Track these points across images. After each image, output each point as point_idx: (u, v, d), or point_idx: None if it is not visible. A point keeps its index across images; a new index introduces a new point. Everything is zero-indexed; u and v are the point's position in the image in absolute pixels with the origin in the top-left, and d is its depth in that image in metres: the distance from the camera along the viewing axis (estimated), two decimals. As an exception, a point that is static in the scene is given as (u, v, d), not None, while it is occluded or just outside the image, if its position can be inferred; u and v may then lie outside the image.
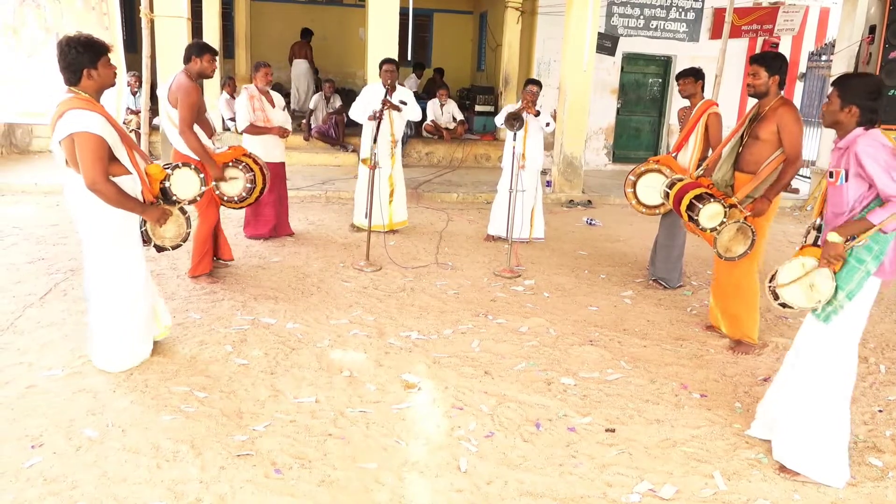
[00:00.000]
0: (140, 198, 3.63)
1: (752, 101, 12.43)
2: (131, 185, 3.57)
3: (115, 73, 3.57)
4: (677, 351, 4.53)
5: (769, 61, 4.25)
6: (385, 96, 6.42)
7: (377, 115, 6.25)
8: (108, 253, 3.64)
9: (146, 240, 3.77)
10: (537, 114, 6.57)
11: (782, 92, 4.32)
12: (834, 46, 10.71)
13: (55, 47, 3.43)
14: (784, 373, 3.33)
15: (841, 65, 9.91)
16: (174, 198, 3.77)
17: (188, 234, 3.90)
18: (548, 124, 6.70)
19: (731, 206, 4.35)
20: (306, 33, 14.01)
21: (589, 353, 4.40)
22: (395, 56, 8.70)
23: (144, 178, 3.66)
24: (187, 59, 5.03)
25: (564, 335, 4.69)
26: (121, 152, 3.52)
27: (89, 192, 3.43)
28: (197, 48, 5.03)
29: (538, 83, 6.78)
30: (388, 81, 6.61)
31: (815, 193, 9.93)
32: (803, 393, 3.17)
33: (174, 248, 3.86)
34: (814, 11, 12.36)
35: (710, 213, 4.36)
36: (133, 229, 3.70)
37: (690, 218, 4.46)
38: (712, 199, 4.38)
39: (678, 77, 5.57)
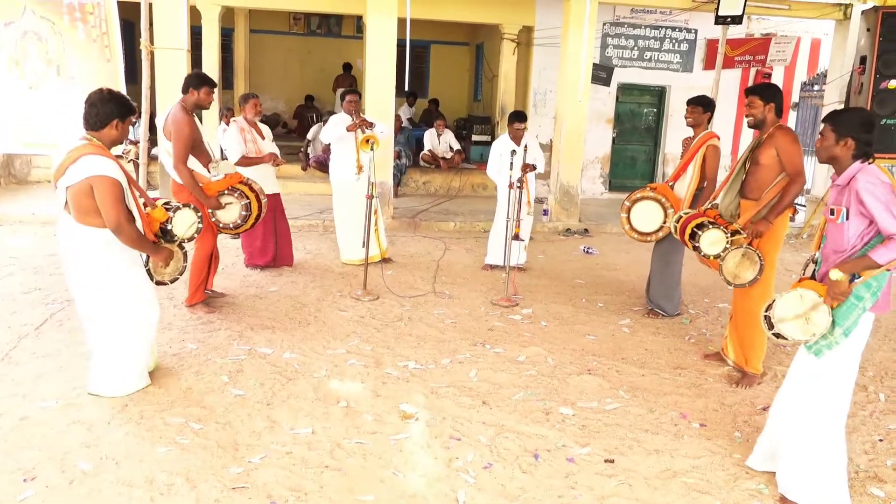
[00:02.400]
0: None
1: (746, 131, 12.56)
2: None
3: (126, 137, 3.77)
4: (676, 380, 4.51)
5: (762, 91, 4.35)
6: (357, 117, 6.59)
7: (356, 125, 6.37)
8: (112, 284, 3.71)
9: (151, 277, 3.90)
10: (533, 168, 6.46)
11: (781, 119, 4.37)
12: (826, 76, 10.84)
13: (89, 93, 3.61)
14: (778, 403, 3.31)
15: (833, 94, 10.03)
16: (174, 237, 3.88)
17: (185, 267, 4.07)
18: (535, 167, 6.59)
19: (735, 232, 4.37)
20: (347, 67, 15.10)
21: (587, 383, 4.37)
22: (393, 87, 8.78)
23: (145, 217, 3.77)
24: (185, 90, 5.05)
25: (562, 364, 4.66)
26: (129, 198, 3.63)
27: (91, 234, 3.57)
28: (196, 80, 5.06)
29: (524, 117, 6.70)
30: (353, 110, 6.75)
31: (811, 221, 9.96)
32: (799, 425, 3.15)
33: (172, 281, 4.02)
34: (805, 42, 12.54)
35: (711, 240, 4.38)
36: (135, 256, 3.80)
37: (695, 248, 4.47)
38: (712, 226, 4.41)
39: (688, 103, 5.53)
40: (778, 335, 3.20)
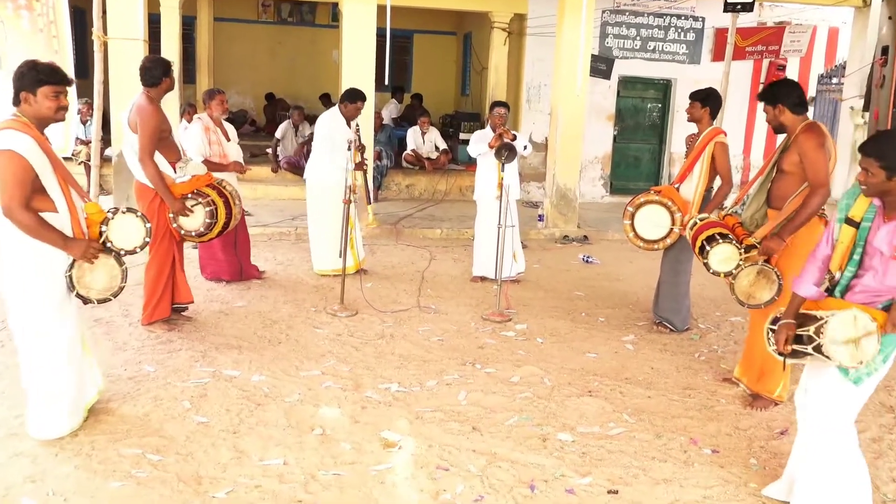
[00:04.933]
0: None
1: (759, 129, 12.69)
2: (55, 223, 3.49)
3: (60, 109, 3.51)
4: (685, 402, 4.53)
5: (766, 94, 4.32)
6: (357, 138, 6.52)
7: (364, 164, 6.32)
8: (28, 301, 3.51)
9: (70, 287, 3.58)
10: (514, 137, 6.65)
11: (809, 117, 4.31)
12: (845, 68, 10.98)
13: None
14: (803, 431, 3.30)
15: (853, 87, 10.15)
16: (109, 245, 3.67)
17: (121, 288, 3.76)
18: (525, 147, 6.78)
19: (751, 247, 4.35)
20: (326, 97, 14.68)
21: (588, 405, 4.37)
22: (373, 81, 8.80)
23: (80, 217, 3.61)
24: (155, 83, 5.00)
25: (560, 385, 4.67)
26: (51, 184, 3.46)
27: (2, 219, 3.36)
28: (161, 67, 5.02)
29: (506, 105, 6.93)
30: (355, 117, 6.76)
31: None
32: (821, 450, 3.15)
33: (100, 302, 3.69)
34: (822, 31, 12.69)
35: (722, 256, 4.36)
36: (57, 275, 3.54)
37: (704, 263, 4.46)
38: (722, 240, 4.38)
39: (689, 97, 5.62)
40: (781, 354, 3.18)
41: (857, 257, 3.10)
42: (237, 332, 5.38)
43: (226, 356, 4.87)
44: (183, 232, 5.06)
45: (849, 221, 3.12)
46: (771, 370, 4.45)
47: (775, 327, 3.23)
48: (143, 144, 4.89)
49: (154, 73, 5.01)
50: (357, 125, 6.86)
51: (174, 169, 5.09)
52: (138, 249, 3.81)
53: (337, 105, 6.84)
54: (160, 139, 4.99)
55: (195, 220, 5.01)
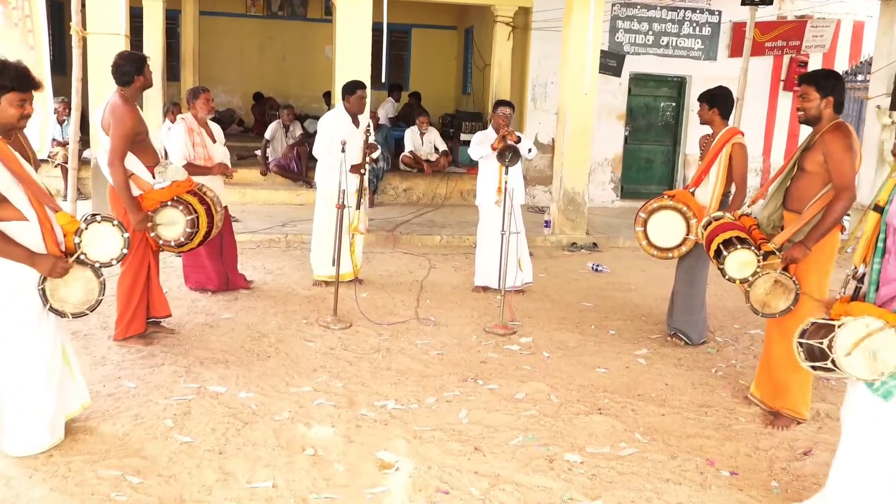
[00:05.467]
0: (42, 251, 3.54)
1: (779, 130, 12.71)
2: (26, 235, 3.49)
3: (24, 118, 3.50)
4: (702, 420, 4.53)
5: (820, 80, 4.27)
6: (365, 139, 6.50)
7: (364, 167, 6.27)
8: (2, 315, 3.54)
9: (43, 301, 3.59)
10: (518, 139, 6.66)
11: (840, 117, 4.31)
12: (871, 65, 11.00)
13: None
14: (841, 457, 3.27)
15: (880, 85, 10.17)
16: (83, 257, 3.67)
17: (99, 301, 3.76)
18: (530, 149, 6.80)
19: (769, 253, 4.35)
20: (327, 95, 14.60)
21: (598, 424, 4.37)
22: (368, 79, 8.82)
23: (54, 228, 3.61)
24: (129, 81, 4.96)
25: (568, 402, 4.67)
26: (15, 193, 3.45)
27: None
28: (134, 63, 4.97)
29: (510, 104, 6.98)
30: (361, 109, 6.73)
31: (855, 234, 10.04)
32: (850, 475, 3.14)
33: (76, 316, 3.70)
34: (846, 25, 12.72)
35: (739, 262, 4.36)
36: (31, 287, 3.55)
37: (720, 268, 4.47)
38: (740, 245, 4.40)
39: (698, 99, 5.67)
40: (817, 367, 3.18)
41: (881, 244, 3.09)
42: (223, 345, 5.38)
43: (211, 371, 4.86)
44: (161, 242, 5.04)
45: (876, 208, 3.11)
46: (791, 385, 4.45)
47: (804, 341, 3.22)
48: (114, 147, 4.86)
49: (126, 70, 4.97)
50: (369, 124, 6.82)
51: (152, 174, 5.07)
52: (114, 262, 3.81)
53: (341, 103, 6.87)
54: (135, 142, 4.96)
55: (175, 229, 4.98)
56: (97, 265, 3.74)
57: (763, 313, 4.39)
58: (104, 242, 3.76)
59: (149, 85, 5.13)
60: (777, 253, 4.32)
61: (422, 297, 6.88)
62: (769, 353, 4.60)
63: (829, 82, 4.26)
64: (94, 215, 3.79)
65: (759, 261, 4.34)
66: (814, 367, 3.18)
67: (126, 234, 3.84)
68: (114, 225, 3.80)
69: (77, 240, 3.66)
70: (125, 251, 3.83)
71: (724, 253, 4.41)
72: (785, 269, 4.32)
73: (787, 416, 4.47)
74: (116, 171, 4.87)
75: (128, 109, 4.91)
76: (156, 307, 5.40)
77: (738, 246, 4.38)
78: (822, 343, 3.10)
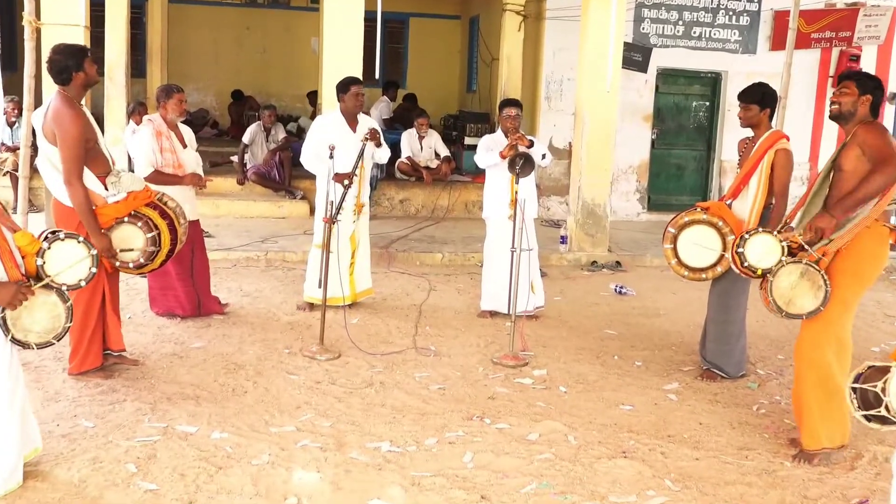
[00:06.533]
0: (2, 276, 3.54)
1: (828, 132, 12.69)
2: None
3: None
4: (741, 465, 4.51)
5: (861, 78, 4.46)
6: (362, 147, 6.47)
7: (350, 178, 6.20)
8: None
9: (4, 331, 3.62)
10: (530, 144, 6.68)
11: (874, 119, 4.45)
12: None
13: None
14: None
15: (941, 82, 10.19)
16: (48, 280, 3.69)
17: (66, 329, 3.79)
18: (544, 155, 6.81)
19: (800, 247, 4.42)
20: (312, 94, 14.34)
21: (622, 470, 4.36)
22: (360, 75, 8.86)
23: (12, 251, 3.62)
24: (67, 79, 4.88)
25: (588, 445, 4.66)
26: None
27: None
28: (73, 58, 4.88)
29: (519, 104, 7.03)
30: (358, 108, 6.75)
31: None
32: None
33: (41, 346, 3.73)
34: (904, 14, 12.75)
35: (761, 247, 4.41)
36: None
37: (741, 261, 4.53)
38: (762, 230, 4.47)
39: (738, 98, 5.63)
40: (871, 417, 3.16)
41: None
42: (194, 379, 5.37)
43: (180, 409, 4.86)
44: (118, 264, 5.00)
45: None
46: (811, 417, 4.48)
47: (858, 385, 3.22)
48: (66, 162, 4.75)
49: (63, 66, 4.85)
50: (376, 130, 6.78)
51: (104, 185, 4.99)
52: (83, 282, 3.82)
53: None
54: (85, 150, 4.87)
55: (132, 249, 4.96)
56: (65, 288, 3.75)
57: (787, 313, 4.41)
58: (70, 262, 3.78)
59: (92, 81, 5.04)
60: (808, 249, 4.35)
61: (421, 324, 6.88)
62: (799, 389, 4.62)
63: (871, 82, 4.45)
64: (54, 232, 3.81)
65: (783, 248, 4.37)
66: (867, 418, 3.18)
67: (94, 251, 3.86)
68: (79, 242, 3.82)
69: (40, 261, 3.68)
70: (94, 270, 3.85)
71: (747, 237, 4.46)
72: (815, 262, 4.36)
73: (808, 452, 4.49)
74: (74, 192, 4.77)
75: (73, 115, 4.80)
76: (111, 339, 5.39)
77: (761, 231, 4.43)
78: (875, 387, 3.10)
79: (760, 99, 5.51)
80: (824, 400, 4.45)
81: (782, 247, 4.40)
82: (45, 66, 4.95)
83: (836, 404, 4.41)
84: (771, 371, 6.12)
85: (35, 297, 3.65)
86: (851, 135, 4.39)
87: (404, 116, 13.96)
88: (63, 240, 3.77)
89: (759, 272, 4.48)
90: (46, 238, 3.75)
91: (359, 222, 7.00)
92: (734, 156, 11.87)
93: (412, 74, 16.83)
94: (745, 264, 4.53)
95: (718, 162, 13.07)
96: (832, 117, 4.53)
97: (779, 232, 4.73)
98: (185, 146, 6.50)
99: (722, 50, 12.53)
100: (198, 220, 6.62)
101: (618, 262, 9.66)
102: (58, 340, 3.81)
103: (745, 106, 5.54)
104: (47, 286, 3.71)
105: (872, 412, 3.15)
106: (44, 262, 3.69)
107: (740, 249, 4.55)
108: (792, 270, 4.34)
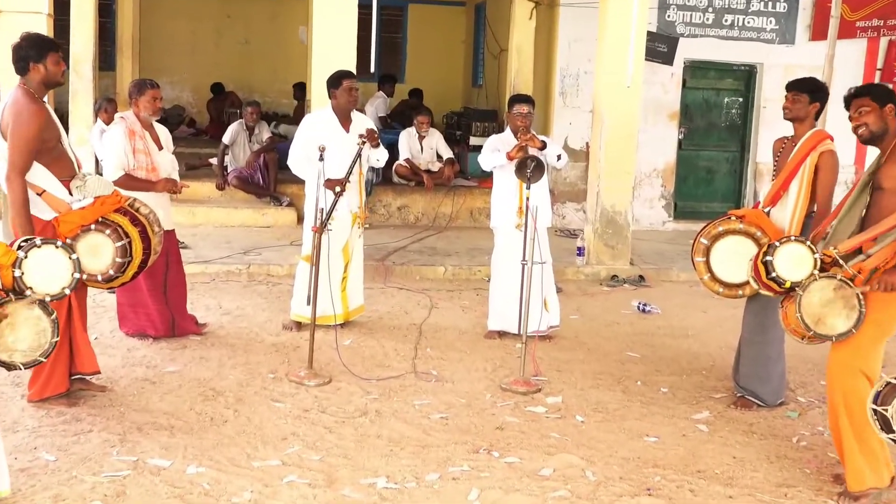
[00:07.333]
0: None
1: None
2: None
3: None
4: (780, 503, 4.49)
5: (875, 90, 4.50)
6: (359, 149, 6.46)
7: (343, 184, 6.21)
8: None
9: None
10: (543, 145, 6.68)
11: None
12: None
13: None
14: None
15: None
16: (29, 292, 3.72)
17: (53, 345, 3.82)
18: (559, 156, 6.82)
19: (833, 262, 4.41)
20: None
21: (647, 509, 4.35)
22: (353, 68, 8.88)
23: None
24: (24, 69, 4.94)
25: (609, 480, 4.65)
26: None
27: None
28: (34, 48, 4.94)
29: (530, 100, 7.04)
30: (352, 105, 6.76)
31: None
32: None
33: (27, 366, 3.77)
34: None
35: (790, 257, 4.42)
36: None
37: (768, 273, 4.55)
38: (795, 239, 4.49)
39: (788, 87, 5.62)
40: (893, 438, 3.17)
41: None
42: (168, 407, 5.37)
43: (152, 440, 4.85)
44: (85, 277, 4.99)
45: None
46: (851, 453, 4.45)
47: (878, 407, 3.22)
48: (12, 156, 4.78)
49: (22, 55, 4.93)
50: (375, 131, 6.81)
51: (69, 190, 5.01)
52: (67, 290, 3.85)
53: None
54: (45, 150, 4.91)
55: (101, 260, 4.92)
56: (47, 299, 3.77)
57: (816, 332, 4.39)
58: (50, 270, 3.82)
59: (53, 80, 5.08)
60: (843, 265, 4.33)
61: (421, 346, 6.88)
62: (835, 424, 4.59)
63: (885, 91, 4.51)
64: (29, 240, 3.83)
65: (815, 261, 4.37)
66: (894, 440, 3.19)
67: (75, 256, 3.88)
68: (58, 247, 3.87)
69: (18, 272, 3.70)
70: (77, 276, 3.88)
71: (777, 245, 4.46)
72: (851, 280, 4.34)
73: (851, 493, 4.46)
74: (12, 188, 4.78)
75: (33, 109, 4.85)
76: (82, 361, 5.37)
77: (792, 240, 4.43)
78: (887, 410, 3.12)
79: (812, 90, 5.52)
80: (864, 432, 4.40)
81: (815, 259, 4.39)
82: (3, 56, 4.98)
83: (877, 436, 4.39)
84: (813, 398, 6.10)
85: (16, 312, 3.66)
86: (892, 148, 4.38)
87: (403, 114, 13.97)
88: (40, 247, 3.82)
89: (788, 285, 4.46)
90: (21, 247, 3.76)
91: (352, 232, 6.99)
92: (770, 158, 11.92)
93: (411, 67, 16.87)
94: (773, 275, 4.52)
95: (753, 164, 13.08)
96: (864, 142, 4.55)
97: (812, 243, 4.73)
98: (160, 148, 6.50)
99: (757, 40, 12.52)
100: (173, 230, 6.61)
101: (641, 277, 9.66)
102: (45, 358, 3.87)
103: (794, 96, 5.51)
104: (28, 298, 3.73)
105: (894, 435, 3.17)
106: (22, 273, 3.70)
107: (768, 258, 4.55)
108: (825, 286, 4.33)
